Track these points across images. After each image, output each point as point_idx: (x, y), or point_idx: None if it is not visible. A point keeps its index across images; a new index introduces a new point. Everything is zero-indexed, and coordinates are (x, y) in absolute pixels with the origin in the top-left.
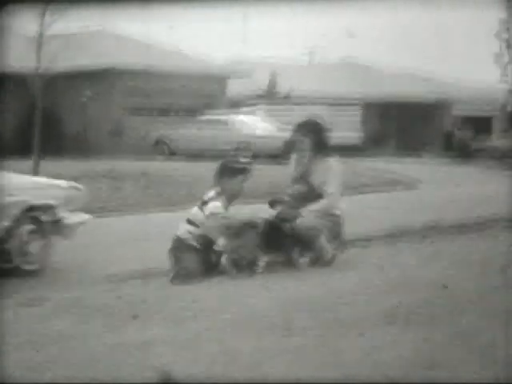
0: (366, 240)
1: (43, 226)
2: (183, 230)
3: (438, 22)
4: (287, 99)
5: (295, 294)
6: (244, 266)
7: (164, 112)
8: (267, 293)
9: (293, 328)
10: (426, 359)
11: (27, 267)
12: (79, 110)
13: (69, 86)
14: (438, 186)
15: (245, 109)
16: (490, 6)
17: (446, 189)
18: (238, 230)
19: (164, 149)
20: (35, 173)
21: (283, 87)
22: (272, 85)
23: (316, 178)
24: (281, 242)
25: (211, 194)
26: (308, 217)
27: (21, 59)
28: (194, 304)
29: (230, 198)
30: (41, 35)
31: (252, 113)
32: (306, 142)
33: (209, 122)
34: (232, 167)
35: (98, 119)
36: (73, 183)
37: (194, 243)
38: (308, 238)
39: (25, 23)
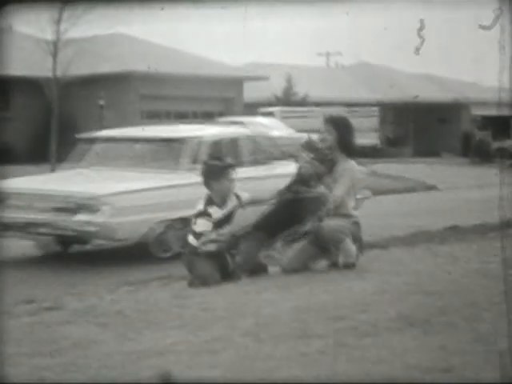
0: (384, 242)
1: None
2: (191, 239)
3: (455, 22)
4: (304, 102)
5: (312, 299)
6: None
7: (181, 115)
8: (284, 298)
9: (309, 333)
10: (443, 364)
11: None
12: (96, 115)
13: (85, 90)
14: (457, 187)
15: (262, 110)
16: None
17: (465, 190)
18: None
19: None
20: None
21: (300, 90)
22: (289, 88)
23: (331, 176)
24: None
25: (200, 205)
26: (334, 219)
27: (36, 64)
28: (210, 310)
29: (222, 198)
30: (57, 40)
31: (270, 115)
32: (334, 135)
33: (226, 124)
34: (217, 166)
35: (115, 124)
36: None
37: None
38: (334, 240)
39: (37, 26)
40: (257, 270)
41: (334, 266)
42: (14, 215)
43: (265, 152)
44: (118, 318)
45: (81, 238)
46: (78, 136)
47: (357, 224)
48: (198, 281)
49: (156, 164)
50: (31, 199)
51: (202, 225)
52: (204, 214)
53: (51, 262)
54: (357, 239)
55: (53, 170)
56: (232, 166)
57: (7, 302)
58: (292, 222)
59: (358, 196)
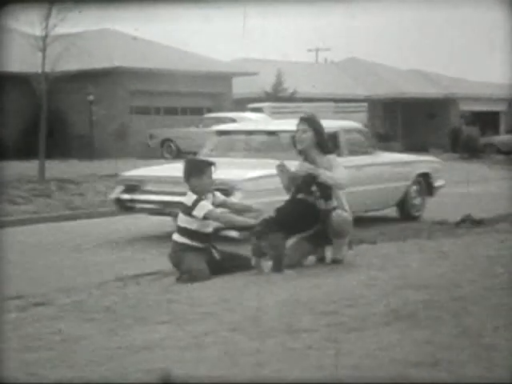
0: (373, 237)
1: (422, 187)
2: (176, 237)
3: (444, 20)
4: (293, 97)
5: (300, 294)
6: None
7: (170, 111)
8: (272, 293)
9: (297, 328)
10: (430, 358)
11: (415, 214)
12: (85, 111)
13: (74, 86)
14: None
15: (251, 106)
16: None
17: (453, 186)
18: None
19: (171, 148)
20: (41, 173)
21: (289, 85)
22: (278, 83)
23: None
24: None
25: (191, 196)
26: (345, 211)
27: (26, 60)
28: (198, 305)
29: (202, 194)
30: (46, 36)
31: (259, 111)
32: (309, 133)
33: (215, 119)
34: (199, 163)
35: (104, 119)
36: (437, 159)
37: (194, 244)
38: (342, 232)
39: (28, 23)
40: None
41: (321, 261)
42: (151, 198)
43: (368, 142)
44: (106, 314)
45: None
46: (212, 129)
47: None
48: (187, 276)
49: (272, 154)
50: (166, 184)
51: (204, 206)
52: (200, 199)
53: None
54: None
55: (42, 166)
56: (212, 164)
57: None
58: (308, 223)
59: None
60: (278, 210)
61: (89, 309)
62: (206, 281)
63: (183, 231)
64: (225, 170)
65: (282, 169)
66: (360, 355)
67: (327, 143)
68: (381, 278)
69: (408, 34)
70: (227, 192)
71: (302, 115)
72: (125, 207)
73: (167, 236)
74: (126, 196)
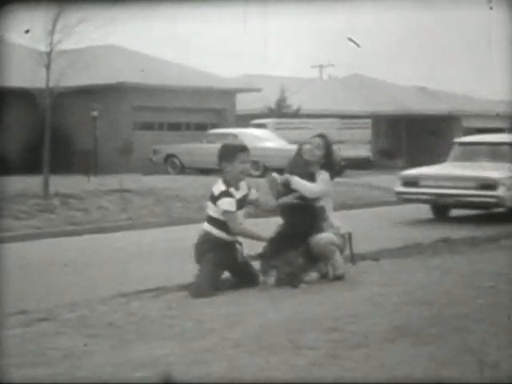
0: (376, 254)
1: None
2: (205, 225)
3: (448, 38)
4: (297, 113)
5: (303, 310)
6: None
7: (174, 127)
8: (275, 310)
9: (301, 345)
10: (433, 375)
11: None
12: (89, 126)
13: (78, 102)
14: None
15: (255, 122)
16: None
17: None
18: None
19: (175, 164)
20: (45, 189)
21: (293, 101)
22: (282, 99)
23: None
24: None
25: (220, 186)
26: (327, 232)
27: (30, 75)
28: (201, 322)
29: (235, 180)
30: (50, 51)
31: (262, 127)
32: (322, 151)
33: (219, 135)
34: (232, 147)
35: (108, 135)
36: None
37: (222, 234)
38: (326, 252)
39: (32, 38)
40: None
41: (324, 277)
42: (426, 191)
43: None
44: (109, 329)
45: (483, 205)
46: (454, 140)
47: (343, 236)
48: (193, 289)
49: (502, 159)
50: (438, 180)
51: (227, 203)
52: (227, 193)
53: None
54: (343, 251)
55: (46, 181)
56: (245, 150)
57: None
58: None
59: None
60: (283, 225)
61: (92, 324)
62: (209, 297)
63: (211, 220)
64: (484, 171)
65: (272, 181)
66: (363, 372)
67: (335, 165)
68: (384, 295)
69: (412, 51)
70: (493, 187)
71: (319, 132)
72: (403, 198)
73: (172, 250)
74: (405, 189)
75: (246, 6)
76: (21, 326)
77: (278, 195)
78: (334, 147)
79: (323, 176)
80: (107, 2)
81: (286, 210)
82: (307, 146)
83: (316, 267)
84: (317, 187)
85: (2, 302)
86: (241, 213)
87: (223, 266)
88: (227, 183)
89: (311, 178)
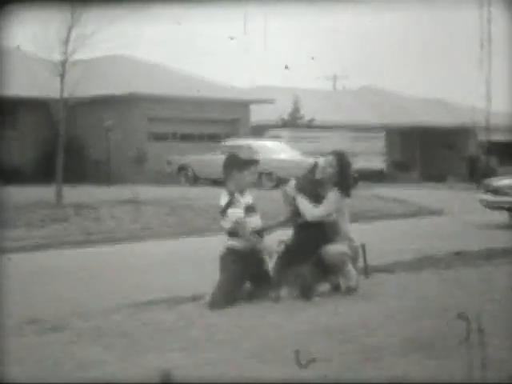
0: (391, 267)
1: None
2: (226, 239)
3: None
4: (310, 125)
5: (316, 322)
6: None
7: (188, 138)
8: (289, 321)
9: (314, 357)
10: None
11: None
12: (102, 137)
13: (91, 112)
14: (464, 212)
15: (268, 133)
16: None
17: (472, 215)
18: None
19: (188, 175)
20: (58, 198)
21: (306, 113)
22: (295, 111)
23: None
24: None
25: (224, 197)
26: (337, 243)
27: (43, 85)
28: (215, 332)
29: (241, 189)
30: (65, 61)
31: (276, 138)
32: (335, 168)
33: (233, 147)
34: (242, 160)
35: (121, 145)
36: None
37: (241, 245)
38: (338, 263)
39: (46, 47)
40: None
41: (336, 289)
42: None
43: None
44: (122, 339)
45: None
46: None
47: (355, 247)
48: (209, 300)
49: None
50: None
51: (233, 214)
52: (232, 201)
53: None
54: (356, 262)
55: (59, 191)
56: (257, 162)
57: None
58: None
59: None
60: (292, 239)
61: (105, 334)
62: (224, 308)
63: (228, 233)
64: None
65: (286, 193)
66: (358, 377)
67: (347, 185)
68: (398, 308)
69: (425, 63)
70: None
71: (335, 149)
72: (487, 206)
73: (185, 260)
74: (489, 197)
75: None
76: (34, 335)
77: (292, 207)
78: (350, 163)
79: (330, 196)
80: (114, 3)
81: (295, 225)
82: (321, 164)
83: (328, 279)
84: (317, 211)
85: (16, 310)
86: (256, 217)
87: (245, 278)
88: (231, 192)
89: (318, 197)
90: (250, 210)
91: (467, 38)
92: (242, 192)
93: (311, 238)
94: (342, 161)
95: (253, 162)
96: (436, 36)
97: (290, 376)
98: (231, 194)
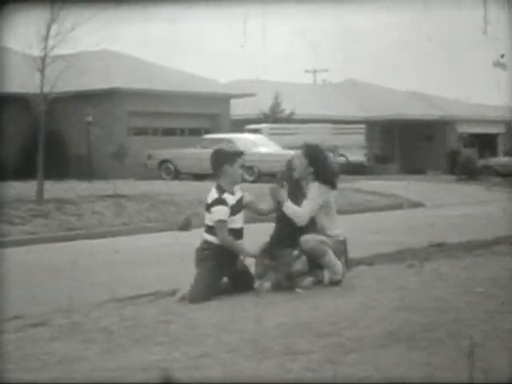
0: (371, 259)
1: None
2: (204, 234)
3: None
4: (291, 119)
5: (298, 315)
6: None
7: (168, 132)
8: (270, 315)
9: (295, 350)
10: (427, 381)
11: None
12: (83, 132)
13: (72, 107)
14: (443, 204)
15: (250, 127)
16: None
17: (452, 207)
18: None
19: (169, 169)
20: (39, 194)
21: (288, 107)
22: (276, 104)
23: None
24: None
25: (213, 194)
26: (313, 233)
27: (24, 81)
28: (196, 327)
29: (232, 184)
30: (44, 56)
31: (257, 131)
32: (303, 161)
33: (214, 140)
34: (230, 152)
35: (102, 140)
36: None
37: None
38: (317, 252)
39: (27, 44)
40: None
41: (320, 282)
42: None
43: None
44: (103, 335)
45: None
46: None
47: (340, 242)
48: (188, 294)
49: None
50: None
51: (217, 212)
52: (220, 200)
53: None
54: (341, 256)
55: (40, 187)
56: (243, 154)
57: None
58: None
59: None
60: (274, 228)
61: (86, 330)
62: (203, 302)
63: (209, 229)
64: None
65: (274, 190)
66: (358, 377)
67: (323, 174)
68: (378, 300)
69: (405, 56)
70: None
71: (305, 142)
72: None
73: (167, 255)
74: None
75: (237, 9)
76: (15, 331)
77: (279, 204)
78: (322, 153)
79: (311, 191)
80: (104, 3)
81: (277, 215)
82: (293, 159)
83: (312, 272)
84: (304, 215)
85: None
86: (240, 216)
87: (222, 274)
88: (220, 189)
89: (301, 191)
90: (236, 208)
91: (448, 33)
92: (232, 187)
93: (290, 226)
94: (310, 152)
95: (240, 154)
96: (418, 31)
97: (270, 369)
98: (220, 192)
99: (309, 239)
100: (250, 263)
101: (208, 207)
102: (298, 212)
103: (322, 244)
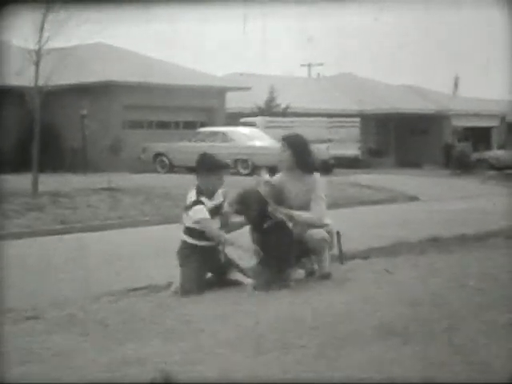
0: (365, 253)
1: None
2: (182, 235)
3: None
4: (286, 112)
5: (292, 309)
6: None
7: (163, 125)
8: (264, 309)
9: (289, 344)
10: (421, 374)
11: None
12: (78, 125)
13: (67, 100)
14: (438, 198)
15: (244, 120)
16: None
17: (446, 201)
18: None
19: (163, 162)
20: (34, 187)
21: (283, 100)
22: (271, 98)
23: (300, 192)
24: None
25: (191, 195)
26: (319, 228)
27: (19, 74)
28: (191, 321)
29: (211, 190)
30: (39, 49)
31: (251, 125)
32: (287, 153)
33: (209, 134)
34: (212, 162)
35: (97, 133)
36: None
37: (201, 242)
38: (318, 248)
39: (22, 36)
40: None
41: (311, 275)
42: None
43: None
44: (98, 328)
45: None
46: None
47: (331, 232)
48: (179, 289)
49: None
50: None
51: (199, 211)
52: (199, 202)
53: None
54: (332, 246)
55: (35, 180)
56: (227, 167)
57: None
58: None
59: None
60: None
61: (81, 323)
62: (196, 296)
63: (187, 231)
64: None
65: (259, 181)
66: (352, 371)
67: (308, 163)
68: (373, 294)
69: (400, 50)
70: None
71: (283, 135)
72: None
73: (161, 248)
74: None
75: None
76: (9, 324)
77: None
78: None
79: (319, 187)
80: (102, 3)
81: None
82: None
83: (301, 264)
84: (320, 218)
85: None
86: (215, 222)
87: (205, 269)
88: (199, 192)
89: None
90: (212, 212)
91: (444, 29)
92: (212, 192)
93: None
94: (292, 142)
95: (222, 168)
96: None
97: (265, 364)
98: (199, 194)
99: (314, 235)
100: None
101: (187, 208)
102: (313, 218)
103: (323, 242)
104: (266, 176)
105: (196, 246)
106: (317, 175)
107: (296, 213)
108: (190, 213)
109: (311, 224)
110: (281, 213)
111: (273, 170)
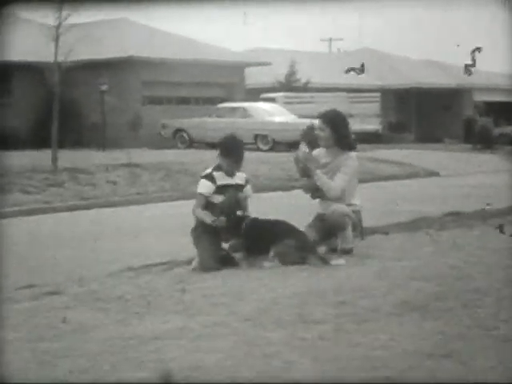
0: (386, 228)
1: None
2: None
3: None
4: (306, 87)
5: (312, 284)
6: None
7: (183, 101)
8: (284, 284)
9: (309, 319)
10: (441, 350)
11: None
12: (97, 101)
13: (87, 76)
14: (459, 173)
15: (264, 96)
16: None
17: (467, 176)
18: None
19: (183, 138)
20: (54, 163)
21: (303, 75)
22: (291, 74)
23: (330, 170)
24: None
25: (208, 169)
26: (342, 204)
27: (39, 50)
28: (210, 296)
29: (232, 169)
30: (59, 25)
31: (272, 100)
32: (327, 131)
33: (228, 109)
34: (229, 148)
35: (117, 109)
36: None
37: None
38: (341, 224)
39: (43, 13)
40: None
41: (333, 251)
42: None
43: None
44: (118, 303)
45: None
46: None
47: (357, 212)
48: (198, 265)
49: None
50: None
51: (204, 185)
52: (207, 175)
53: None
54: (357, 226)
55: (54, 156)
56: (239, 158)
57: None
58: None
59: None
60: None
61: (101, 298)
62: (215, 272)
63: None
64: None
65: (304, 157)
66: (371, 346)
67: (346, 140)
68: (393, 269)
69: (420, 24)
70: None
71: (320, 111)
72: None
73: (181, 224)
74: None
75: None
76: (29, 300)
77: (303, 174)
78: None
79: (349, 164)
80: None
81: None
82: (317, 131)
83: (326, 241)
84: (337, 190)
85: (12, 275)
86: (220, 197)
87: (219, 244)
88: (217, 167)
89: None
90: (224, 190)
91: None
92: (232, 172)
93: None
94: (331, 118)
95: (236, 157)
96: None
97: (284, 338)
98: (215, 169)
99: (336, 212)
100: None
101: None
102: (330, 185)
103: (346, 217)
104: (304, 148)
105: (206, 224)
106: (352, 154)
107: (318, 173)
108: (200, 182)
109: (326, 191)
110: (316, 175)
111: (293, 145)
